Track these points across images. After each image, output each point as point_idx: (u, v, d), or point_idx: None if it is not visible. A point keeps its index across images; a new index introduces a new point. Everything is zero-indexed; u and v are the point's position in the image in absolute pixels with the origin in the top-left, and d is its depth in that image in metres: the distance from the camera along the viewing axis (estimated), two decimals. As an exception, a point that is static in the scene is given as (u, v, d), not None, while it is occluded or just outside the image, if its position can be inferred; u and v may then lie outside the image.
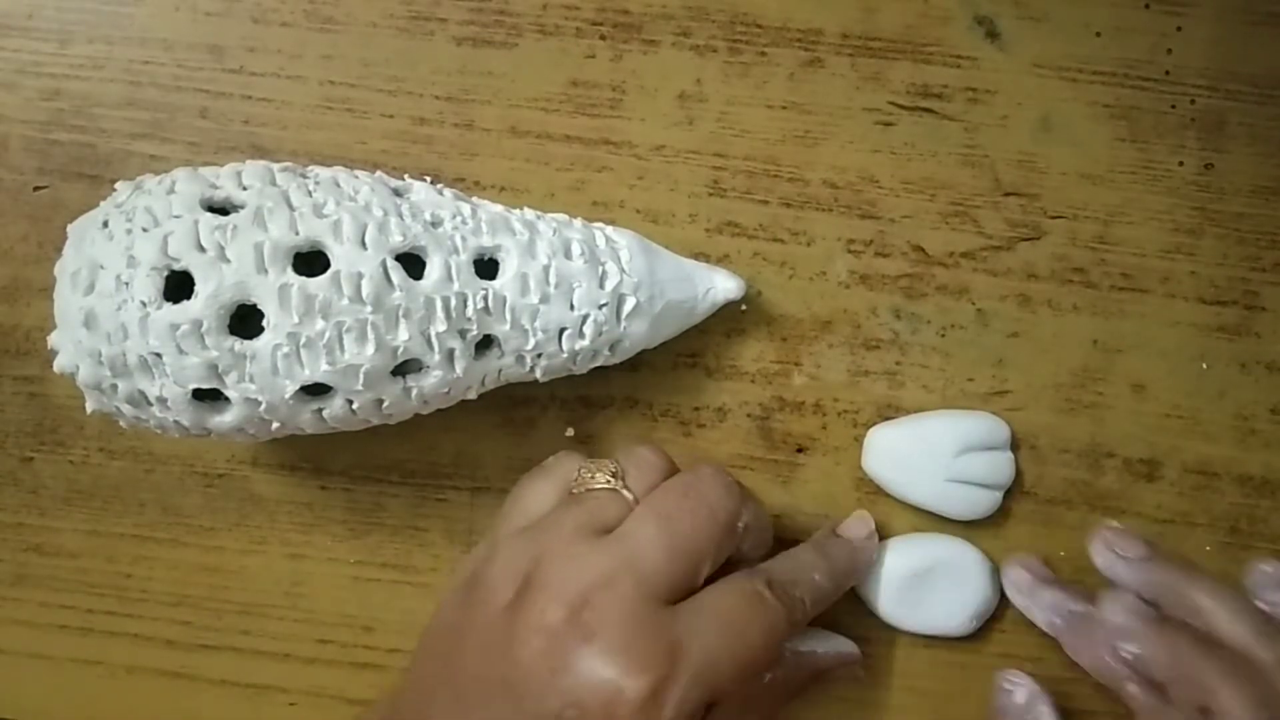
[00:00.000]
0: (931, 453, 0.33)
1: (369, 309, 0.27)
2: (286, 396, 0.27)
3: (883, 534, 0.34)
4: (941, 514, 0.34)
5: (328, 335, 0.27)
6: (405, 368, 0.29)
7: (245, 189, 0.28)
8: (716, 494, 0.28)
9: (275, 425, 0.28)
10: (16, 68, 0.35)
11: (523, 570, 0.27)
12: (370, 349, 0.27)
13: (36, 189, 0.35)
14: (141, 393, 0.27)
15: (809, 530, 0.34)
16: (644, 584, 0.26)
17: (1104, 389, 0.34)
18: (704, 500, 0.28)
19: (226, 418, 0.28)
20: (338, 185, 0.29)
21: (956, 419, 0.34)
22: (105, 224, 0.27)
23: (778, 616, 0.27)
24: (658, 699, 0.24)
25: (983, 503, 0.33)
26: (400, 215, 0.28)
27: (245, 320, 0.27)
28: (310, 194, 0.28)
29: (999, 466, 0.34)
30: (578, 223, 0.31)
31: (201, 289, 0.26)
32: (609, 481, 0.29)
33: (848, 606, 0.34)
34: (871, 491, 0.34)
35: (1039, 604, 0.32)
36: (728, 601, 0.27)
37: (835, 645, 0.32)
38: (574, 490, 0.29)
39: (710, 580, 0.28)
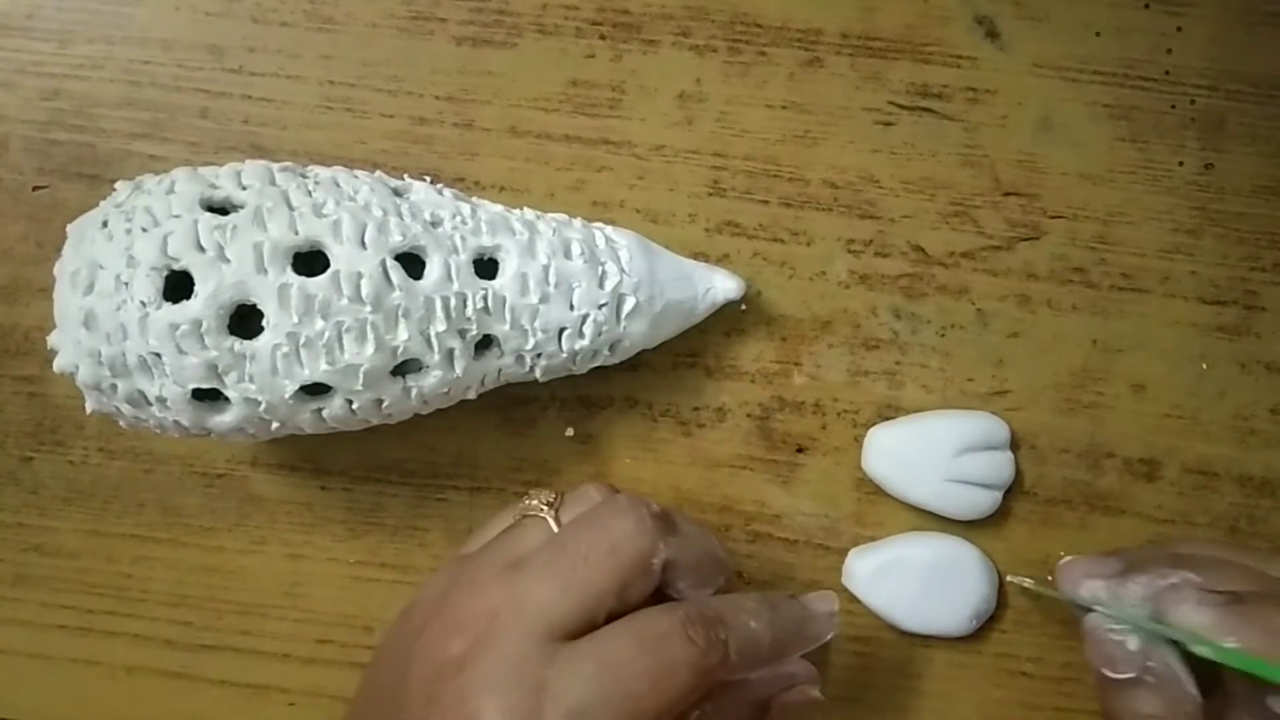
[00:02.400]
0: (931, 453, 0.33)
1: (368, 309, 0.27)
2: (286, 396, 0.27)
3: (883, 534, 0.34)
4: (941, 514, 0.34)
5: (327, 335, 0.27)
6: (405, 368, 0.29)
7: (245, 189, 0.28)
8: (623, 529, 0.25)
9: (275, 425, 0.28)
10: (16, 68, 0.35)
11: (439, 597, 0.26)
12: (370, 349, 0.27)
13: (36, 189, 0.35)
14: (141, 393, 0.27)
15: (809, 530, 0.34)
16: (527, 619, 0.24)
17: (1104, 389, 0.34)
18: (606, 534, 0.25)
19: (226, 418, 0.28)
20: (337, 185, 0.29)
21: (956, 419, 0.34)
22: (105, 224, 0.27)
23: (681, 661, 0.24)
24: None
25: (983, 503, 0.33)
26: (400, 215, 0.28)
27: (245, 320, 0.27)
28: (310, 194, 0.28)
29: (999, 466, 0.34)
30: (578, 223, 0.31)
31: (201, 289, 0.26)
32: (541, 511, 0.28)
33: (847, 606, 0.34)
34: (871, 491, 0.34)
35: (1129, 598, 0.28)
36: (616, 644, 0.24)
37: (774, 667, 0.28)
38: (515, 517, 0.29)
39: None
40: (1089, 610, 0.29)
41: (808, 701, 0.28)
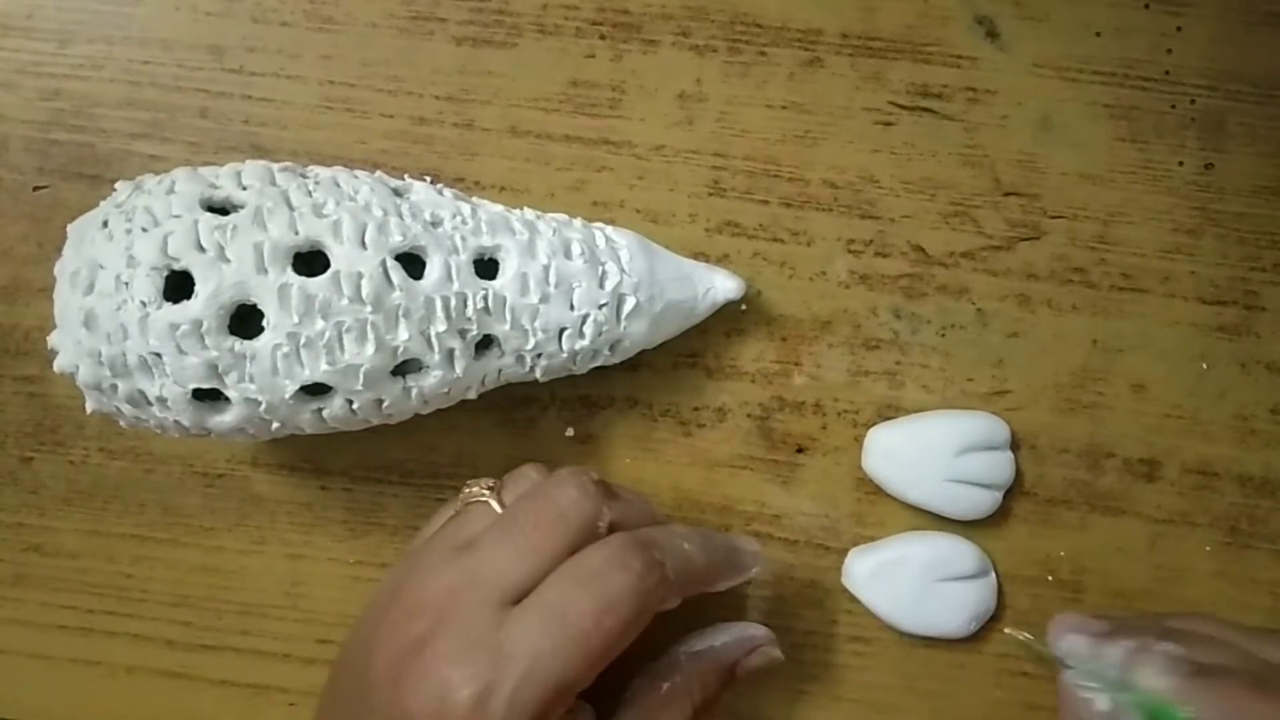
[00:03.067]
0: (931, 453, 0.33)
1: (369, 309, 0.27)
2: (286, 396, 0.27)
3: (883, 534, 0.34)
4: (941, 514, 0.34)
5: (328, 335, 0.27)
6: (405, 368, 0.29)
7: (245, 189, 0.28)
8: (568, 496, 0.27)
9: (275, 425, 0.28)
10: (16, 68, 0.35)
11: (394, 588, 0.27)
12: (370, 349, 0.27)
13: (36, 189, 0.35)
14: (141, 393, 0.27)
15: (809, 530, 0.34)
16: (485, 589, 0.25)
17: (1104, 389, 0.34)
18: (553, 503, 0.27)
19: (226, 418, 0.28)
20: (337, 185, 0.29)
21: (956, 419, 0.34)
22: (105, 224, 0.27)
23: (622, 589, 0.25)
24: (484, 705, 0.24)
25: (983, 503, 0.33)
26: (400, 215, 0.28)
27: (245, 320, 0.27)
28: (310, 194, 0.28)
29: (999, 466, 0.34)
30: (578, 223, 0.31)
31: (201, 289, 0.26)
32: (484, 495, 0.29)
33: (847, 606, 0.34)
34: (871, 491, 0.34)
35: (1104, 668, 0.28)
36: (556, 591, 0.25)
37: (735, 632, 0.30)
38: (457, 508, 0.29)
39: None
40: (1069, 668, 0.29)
41: (770, 663, 0.31)
